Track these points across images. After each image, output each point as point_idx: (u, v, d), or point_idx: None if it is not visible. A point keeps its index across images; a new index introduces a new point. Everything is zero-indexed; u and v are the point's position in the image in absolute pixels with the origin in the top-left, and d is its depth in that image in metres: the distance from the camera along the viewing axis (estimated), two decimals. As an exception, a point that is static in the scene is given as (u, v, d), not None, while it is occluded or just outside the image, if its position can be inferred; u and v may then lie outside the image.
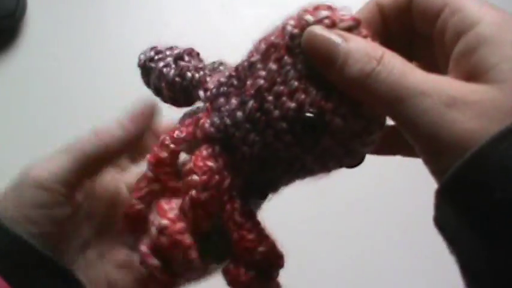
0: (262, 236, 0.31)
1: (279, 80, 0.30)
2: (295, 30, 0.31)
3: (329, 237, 0.73)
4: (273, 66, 0.31)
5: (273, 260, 0.32)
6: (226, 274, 0.32)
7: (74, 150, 0.34)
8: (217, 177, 0.31)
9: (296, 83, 0.29)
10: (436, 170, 0.27)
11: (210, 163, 0.31)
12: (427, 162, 0.27)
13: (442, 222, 0.28)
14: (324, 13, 0.30)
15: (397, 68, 0.27)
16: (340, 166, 0.31)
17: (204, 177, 0.31)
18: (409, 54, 0.29)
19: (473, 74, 0.26)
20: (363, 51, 0.28)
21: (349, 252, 0.73)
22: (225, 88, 0.33)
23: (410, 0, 0.30)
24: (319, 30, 0.29)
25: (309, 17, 0.31)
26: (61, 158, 0.33)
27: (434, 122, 0.25)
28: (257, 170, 0.31)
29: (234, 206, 0.31)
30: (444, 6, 0.28)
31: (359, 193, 0.75)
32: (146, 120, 0.36)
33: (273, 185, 0.32)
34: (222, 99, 0.32)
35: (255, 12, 0.87)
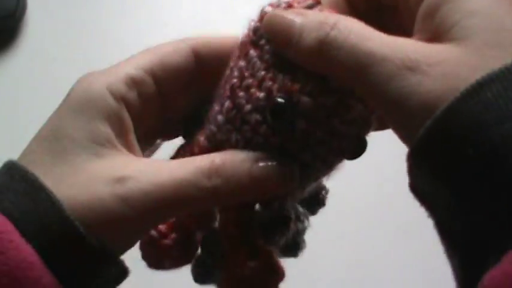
0: (255, 250, 0.30)
1: (247, 74, 0.30)
2: (257, 24, 0.31)
3: (329, 236, 0.73)
4: (241, 63, 0.30)
5: (267, 276, 0.30)
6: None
7: (183, 195, 0.28)
8: None
9: (263, 73, 0.29)
10: (406, 135, 0.26)
11: None
12: (397, 129, 0.26)
13: (416, 187, 0.27)
14: (283, 1, 0.30)
15: (354, 33, 0.26)
16: (340, 156, 0.30)
17: None
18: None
19: (436, 34, 0.26)
20: (316, 20, 0.27)
21: (349, 252, 0.73)
22: (213, 101, 0.32)
23: None
24: (276, 11, 0.29)
25: (268, 8, 0.31)
26: (165, 200, 0.28)
27: (400, 87, 0.24)
28: None
29: (227, 216, 0.30)
30: None
31: (359, 193, 0.75)
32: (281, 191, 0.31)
33: None
34: (210, 112, 0.32)
35: (255, 13, 0.87)
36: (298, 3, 0.30)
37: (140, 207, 0.28)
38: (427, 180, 0.26)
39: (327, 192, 0.35)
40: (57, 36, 0.83)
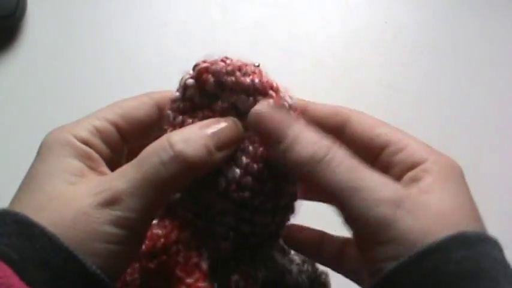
0: None
1: None
2: (189, 80, 0.34)
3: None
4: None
5: None
6: None
7: (160, 182, 0.30)
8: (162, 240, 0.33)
9: None
10: (371, 259, 0.29)
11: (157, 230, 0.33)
12: (364, 249, 0.29)
13: None
14: (219, 60, 0.33)
15: (347, 160, 0.29)
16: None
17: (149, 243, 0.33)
18: None
19: (420, 192, 0.30)
20: (312, 138, 0.30)
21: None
22: None
23: (341, 129, 0.33)
24: (270, 107, 0.31)
25: (203, 64, 0.33)
26: (147, 194, 0.30)
27: (384, 216, 0.28)
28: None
29: (177, 259, 0.32)
30: (386, 145, 0.32)
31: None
32: (233, 148, 0.33)
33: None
34: None
35: (255, 12, 0.87)
36: (239, 69, 0.32)
37: (121, 206, 0.29)
38: None
39: (326, 275, 0.38)
40: (57, 36, 0.82)
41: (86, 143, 0.32)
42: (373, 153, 0.33)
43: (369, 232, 0.28)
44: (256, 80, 0.32)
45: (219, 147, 0.31)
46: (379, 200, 0.28)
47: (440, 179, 0.30)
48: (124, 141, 0.34)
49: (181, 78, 0.34)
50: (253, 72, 0.33)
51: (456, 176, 0.31)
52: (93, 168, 0.32)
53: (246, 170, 0.32)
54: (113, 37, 0.83)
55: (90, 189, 0.30)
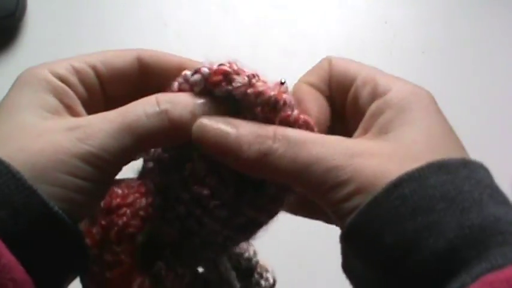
0: (119, 264, 0.31)
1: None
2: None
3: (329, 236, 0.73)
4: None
5: None
6: None
7: (139, 129, 0.29)
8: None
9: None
10: (335, 200, 0.29)
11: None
12: (327, 198, 0.29)
13: (346, 267, 0.31)
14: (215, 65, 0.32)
15: (292, 141, 0.29)
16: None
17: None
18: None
19: (377, 133, 0.30)
20: (254, 133, 0.30)
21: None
22: None
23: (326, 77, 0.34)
24: (207, 121, 0.31)
25: (205, 69, 0.32)
26: (123, 138, 0.29)
27: (334, 177, 0.28)
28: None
29: (117, 221, 0.31)
30: (356, 78, 0.32)
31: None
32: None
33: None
34: None
35: (255, 13, 0.87)
36: (237, 73, 0.31)
37: (95, 142, 0.29)
38: (355, 262, 0.29)
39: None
40: (57, 36, 0.82)
41: (63, 80, 0.32)
42: (345, 90, 0.33)
43: (330, 197, 0.29)
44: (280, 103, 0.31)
45: (206, 113, 0.31)
46: (329, 168, 0.28)
47: (401, 109, 0.30)
48: (102, 87, 0.33)
49: (200, 69, 0.32)
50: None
51: (421, 104, 0.31)
52: (68, 107, 0.31)
53: (215, 168, 0.31)
54: (113, 37, 0.83)
55: (65, 123, 0.30)
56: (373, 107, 0.31)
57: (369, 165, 0.28)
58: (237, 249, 0.37)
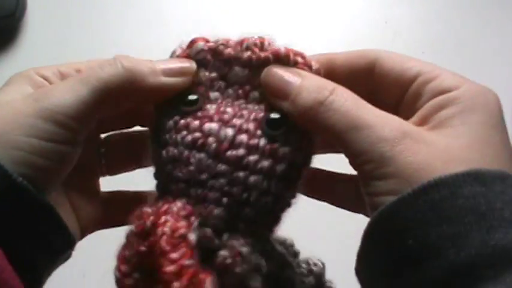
0: (184, 270, 0.29)
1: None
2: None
3: (329, 237, 0.73)
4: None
5: None
6: None
7: (93, 79, 0.29)
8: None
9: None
10: (371, 192, 0.28)
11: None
12: (366, 185, 0.29)
13: (360, 271, 0.31)
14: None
15: (350, 100, 0.29)
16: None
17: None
18: None
19: (434, 127, 0.29)
20: (316, 83, 0.30)
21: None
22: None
23: (371, 69, 0.33)
24: (276, 68, 0.32)
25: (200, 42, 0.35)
26: (79, 89, 0.29)
27: (384, 151, 0.27)
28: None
29: (163, 230, 0.29)
30: (418, 75, 0.31)
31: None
32: (183, 80, 0.32)
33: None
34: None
35: (255, 13, 0.87)
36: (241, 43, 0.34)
37: (50, 99, 0.29)
38: (372, 259, 0.29)
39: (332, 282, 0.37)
40: (57, 36, 0.82)
41: (45, 78, 0.32)
42: (404, 86, 0.32)
43: (368, 169, 0.28)
44: (254, 57, 0.33)
45: (166, 73, 0.32)
46: (379, 137, 0.28)
47: (466, 109, 0.29)
48: None
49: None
50: (255, 45, 0.34)
51: (488, 107, 0.29)
52: None
53: (240, 128, 0.31)
54: (113, 37, 0.83)
55: (28, 92, 0.30)
56: (436, 100, 0.30)
57: (416, 153, 0.27)
58: (278, 238, 0.35)
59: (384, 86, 0.32)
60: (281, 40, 0.88)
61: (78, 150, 0.30)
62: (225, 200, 0.31)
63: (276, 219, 0.33)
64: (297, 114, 0.30)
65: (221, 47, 0.33)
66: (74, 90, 0.29)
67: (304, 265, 0.35)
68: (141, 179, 0.37)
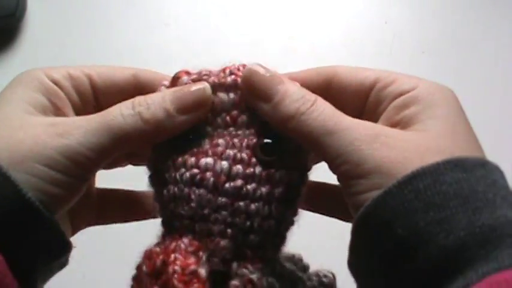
0: None
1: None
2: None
3: (329, 237, 0.73)
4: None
5: None
6: None
7: (116, 129, 0.31)
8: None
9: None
10: (354, 192, 0.29)
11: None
12: (347, 186, 0.30)
13: (352, 262, 0.31)
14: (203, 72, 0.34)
15: (327, 111, 0.31)
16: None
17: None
18: None
19: (402, 124, 0.31)
20: (300, 93, 0.31)
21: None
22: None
23: (328, 85, 0.34)
24: (259, 68, 0.33)
25: (183, 75, 0.34)
26: (101, 135, 0.30)
27: (360, 149, 0.29)
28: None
29: (174, 268, 0.30)
30: (375, 82, 0.33)
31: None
32: (198, 114, 0.33)
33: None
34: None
35: (255, 13, 0.87)
36: (218, 79, 0.33)
37: (73, 137, 0.30)
38: (362, 253, 0.30)
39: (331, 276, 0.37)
40: (57, 36, 0.83)
41: (56, 83, 0.33)
42: (364, 95, 0.33)
43: (347, 169, 0.29)
44: (239, 79, 0.33)
45: (181, 110, 0.32)
46: (354, 138, 0.29)
47: (427, 105, 0.31)
48: (95, 96, 0.34)
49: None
50: (238, 70, 0.34)
51: (448, 101, 0.31)
52: (57, 108, 0.33)
53: (234, 160, 0.32)
54: (114, 37, 0.83)
55: (48, 120, 0.31)
56: (397, 102, 0.31)
57: (392, 148, 0.29)
58: (286, 255, 0.36)
59: (343, 99, 0.34)
60: (281, 40, 0.88)
61: (89, 182, 0.33)
62: (229, 231, 0.32)
63: (281, 240, 0.34)
64: (276, 120, 0.32)
65: (205, 77, 0.34)
66: (96, 136, 0.30)
67: (315, 278, 0.35)
68: (131, 176, 0.37)
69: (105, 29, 0.84)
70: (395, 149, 0.29)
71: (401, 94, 0.31)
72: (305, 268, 0.36)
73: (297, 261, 0.36)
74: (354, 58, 0.84)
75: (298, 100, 0.31)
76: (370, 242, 0.29)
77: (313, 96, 0.31)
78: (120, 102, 0.33)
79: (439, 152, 0.28)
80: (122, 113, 0.31)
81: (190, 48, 0.81)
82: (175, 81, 0.34)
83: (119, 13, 0.85)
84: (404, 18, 0.88)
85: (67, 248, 0.32)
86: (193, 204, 0.32)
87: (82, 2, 0.85)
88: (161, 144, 0.33)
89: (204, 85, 0.33)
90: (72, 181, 0.30)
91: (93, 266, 0.69)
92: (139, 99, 0.32)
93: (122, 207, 0.40)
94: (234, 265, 0.32)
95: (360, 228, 0.29)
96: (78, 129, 0.30)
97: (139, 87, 0.34)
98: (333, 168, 0.30)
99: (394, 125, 0.31)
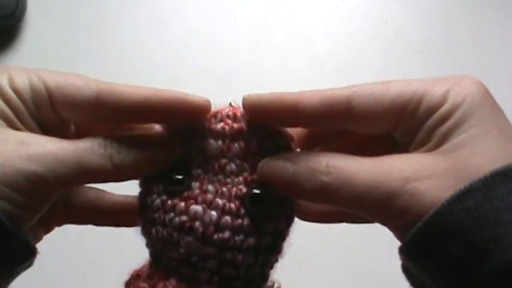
0: None
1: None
2: None
3: (329, 237, 0.73)
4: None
5: None
6: None
7: (84, 164, 0.31)
8: None
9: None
10: (398, 228, 0.29)
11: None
12: (393, 231, 0.30)
13: (407, 269, 0.31)
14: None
15: (344, 171, 0.30)
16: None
17: None
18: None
19: (433, 147, 0.30)
20: (307, 167, 0.30)
21: (348, 252, 0.73)
22: None
23: (349, 110, 0.32)
24: (268, 159, 0.32)
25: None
26: (69, 167, 0.30)
27: (395, 206, 0.28)
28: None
29: None
30: (403, 108, 0.30)
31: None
32: (165, 165, 0.33)
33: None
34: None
35: (255, 13, 0.87)
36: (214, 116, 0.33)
37: (44, 164, 0.30)
38: (417, 270, 0.29)
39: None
40: (57, 36, 0.83)
41: (16, 91, 0.32)
42: (391, 125, 0.31)
43: (386, 217, 0.29)
44: (227, 128, 0.33)
45: (150, 162, 0.32)
46: (382, 197, 0.28)
47: (459, 120, 0.29)
48: (54, 110, 0.33)
49: None
50: (227, 117, 0.33)
51: (474, 103, 0.29)
52: (18, 117, 0.32)
53: (222, 210, 0.32)
54: (114, 37, 0.83)
55: (19, 136, 0.31)
56: (429, 122, 0.30)
57: (424, 190, 0.28)
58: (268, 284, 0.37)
59: (366, 123, 0.32)
60: (281, 40, 0.88)
61: (47, 204, 0.32)
62: (216, 279, 0.33)
63: (265, 279, 0.35)
64: (309, 201, 0.32)
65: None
66: (66, 167, 0.30)
67: None
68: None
69: (105, 29, 0.84)
70: (429, 186, 0.28)
71: (431, 114, 0.30)
72: None
73: None
74: (354, 58, 0.84)
75: (309, 176, 0.30)
76: (424, 264, 0.28)
77: (322, 163, 0.30)
78: (80, 115, 0.33)
79: (474, 172, 0.27)
80: (92, 150, 0.31)
81: (190, 48, 0.81)
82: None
83: (119, 13, 0.85)
84: (404, 18, 0.88)
85: (31, 253, 0.32)
86: (181, 250, 0.32)
87: (82, 2, 0.85)
88: (151, 178, 0.34)
89: (177, 143, 0.33)
90: (33, 204, 0.31)
91: (93, 266, 0.69)
92: (111, 139, 0.32)
93: (88, 210, 0.39)
94: None
95: (409, 251, 0.29)
96: (50, 156, 0.30)
97: (100, 106, 0.33)
98: (378, 221, 0.30)
99: (427, 148, 0.30)
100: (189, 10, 0.86)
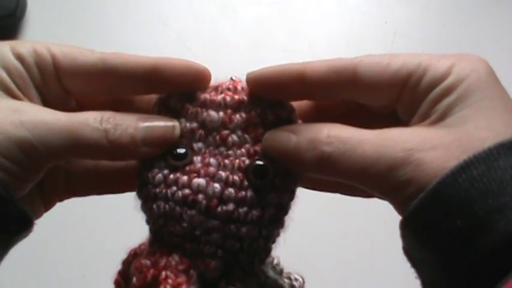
0: None
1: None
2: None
3: (329, 237, 0.73)
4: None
5: None
6: None
7: (78, 137, 0.30)
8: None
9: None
10: (402, 210, 0.29)
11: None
12: (394, 205, 0.29)
13: (408, 251, 0.30)
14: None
15: (346, 142, 0.29)
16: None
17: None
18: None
19: (436, 119, 0.29)
20: (309, 138, 0.30)
21: (349, 252, 0.73)
22: None
23: (352, 80, 0.31)
24: (270, 134, 0.32)
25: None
26: (61, 137, 0.30)
27: (398, 177, 0.28)
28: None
29: (166, 287, 0.31)
30: (407, 78, 0.30)
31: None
32: (161, 149, 0.32)
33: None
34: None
35: (255, 13, 0.87)
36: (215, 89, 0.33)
37: (36, 133, 0.29)
38: (417, 246, 0.29)
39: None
40: (57, 36, 0.83)
41: (20, 58, 0.32)
42: (394, 95, 0.31)
43: (391, 197, 0.29)
44: (228, 98, 0.33)
45: (147, 142, 0.32)
46: (385, 168, 0.28)
47: (463, 94, 0.29)
48: (58, 77, 0.33)
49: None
50: (228, 89, 0.33)
51: (479, 80, 0.29)
52: (20, 88, 0.32)
53: (226, 182, 0.32)
54: (113, 36, 0.83)
55: (13, 104, 0.30)
56: (432, 95, 0.30)
57: (429, 161, 0.28)
58: (268, 261, 0.36)
59: (372, 97, 0.32)
60: (281, 40, 0.88)
61: (43, 173, 0.32)
62: (220, 252, 0.32)
63: (268, 253, 0.34)
64: (310, 173, 0.31)
65: (197, 93, 0.33)
66: (58, 138, 0.30)
67: (286, 280, 0.36)
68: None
69: (104, 28, 0.84)
70: (433, 157, 0.28)
71: (434, 86, 0.30)
72: (281, 272, 0.36)
73: (276, 267, 0.36)
74: (354, 58, 0.85)
75: (310, 147, 0.30)
76: (426, 235, 0.28)
77: (323, 133, 0.30)
78: (84, 84, 0.33)
79: (478, 145, 0.27)
80: (89, 124, 0.30)
81: (190, 47, 0.81)
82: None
83: (119, 13, 0.85)
84: (404, 18, 0.88)
85: (28, 223, 0.32)
86: (184, 225, 0.32)
87: (82, 2, 0.85)
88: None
89: (175, 124, 0.32)
90: (24, 173, 0.30)
91: (93, 266, 0.69)
92: (108, 115, 0.31)
93: (87, 178, 0.38)
94: (223, 283, 0.32)
95: (413, 223, 0.29)
96: (44, 126, 0.30)
97: (106, 73, 0.33)
98: (379, 194, 0.30)
99: (430, 121, 0.30)
100: (188, 10, 0.86)
